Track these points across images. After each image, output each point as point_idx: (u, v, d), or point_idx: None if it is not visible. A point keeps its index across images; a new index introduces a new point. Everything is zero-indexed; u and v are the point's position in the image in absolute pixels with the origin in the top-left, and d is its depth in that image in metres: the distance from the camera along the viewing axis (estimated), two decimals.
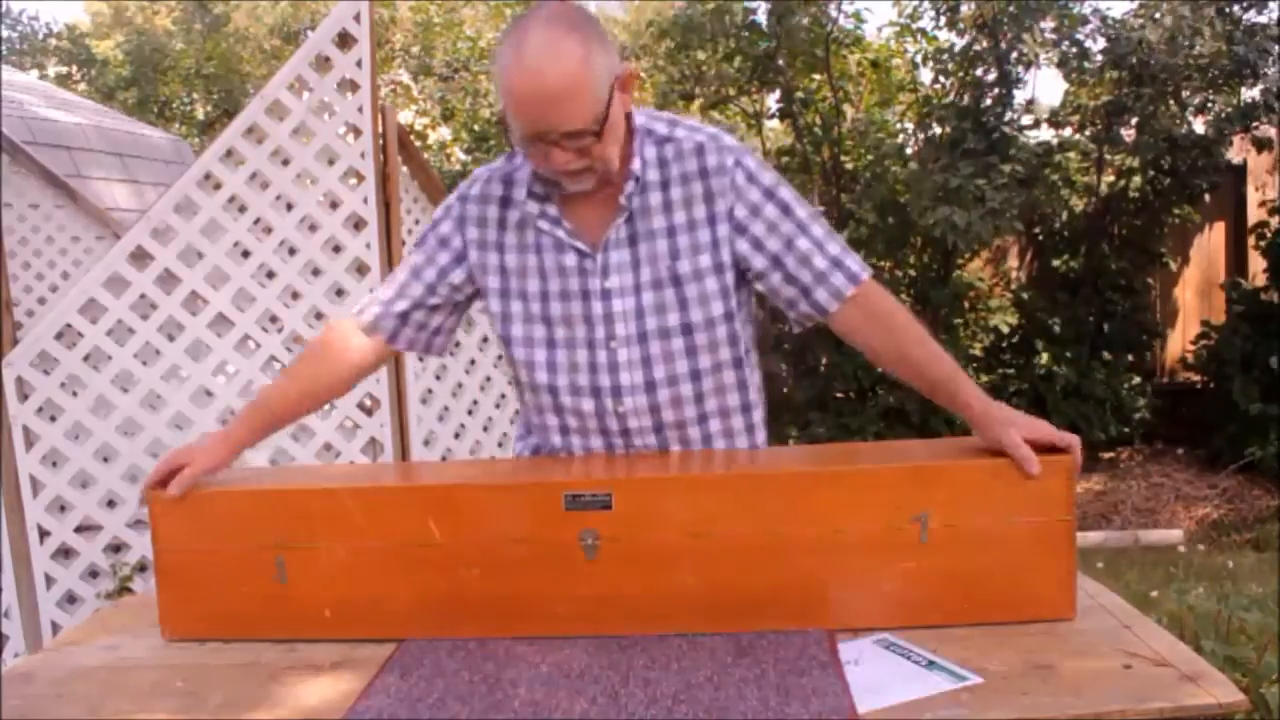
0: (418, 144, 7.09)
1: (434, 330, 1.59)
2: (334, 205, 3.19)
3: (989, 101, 6.32)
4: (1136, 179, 6.51)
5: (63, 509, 3.09)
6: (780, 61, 6.72)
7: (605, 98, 1.34)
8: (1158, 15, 6.09)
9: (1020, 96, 6.58)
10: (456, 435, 3.91)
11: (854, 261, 1.49)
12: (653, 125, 1.49)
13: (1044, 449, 1.31)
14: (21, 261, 4.97)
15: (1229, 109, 6.10)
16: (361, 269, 3.19)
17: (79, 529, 3.08)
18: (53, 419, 3.07)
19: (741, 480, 1.40)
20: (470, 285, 1.56)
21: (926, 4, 6.59)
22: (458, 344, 3.97)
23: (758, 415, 1.64)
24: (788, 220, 1.47)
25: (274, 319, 3.20)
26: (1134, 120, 6.29)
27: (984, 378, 6.51)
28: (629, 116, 1.46)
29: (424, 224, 1.61)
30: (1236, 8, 5.98)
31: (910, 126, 7.10)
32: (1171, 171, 6.33)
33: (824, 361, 6.54)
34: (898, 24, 6.91)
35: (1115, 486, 6.11)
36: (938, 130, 6.46)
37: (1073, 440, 1.32)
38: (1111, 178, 6.61)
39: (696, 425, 1.55)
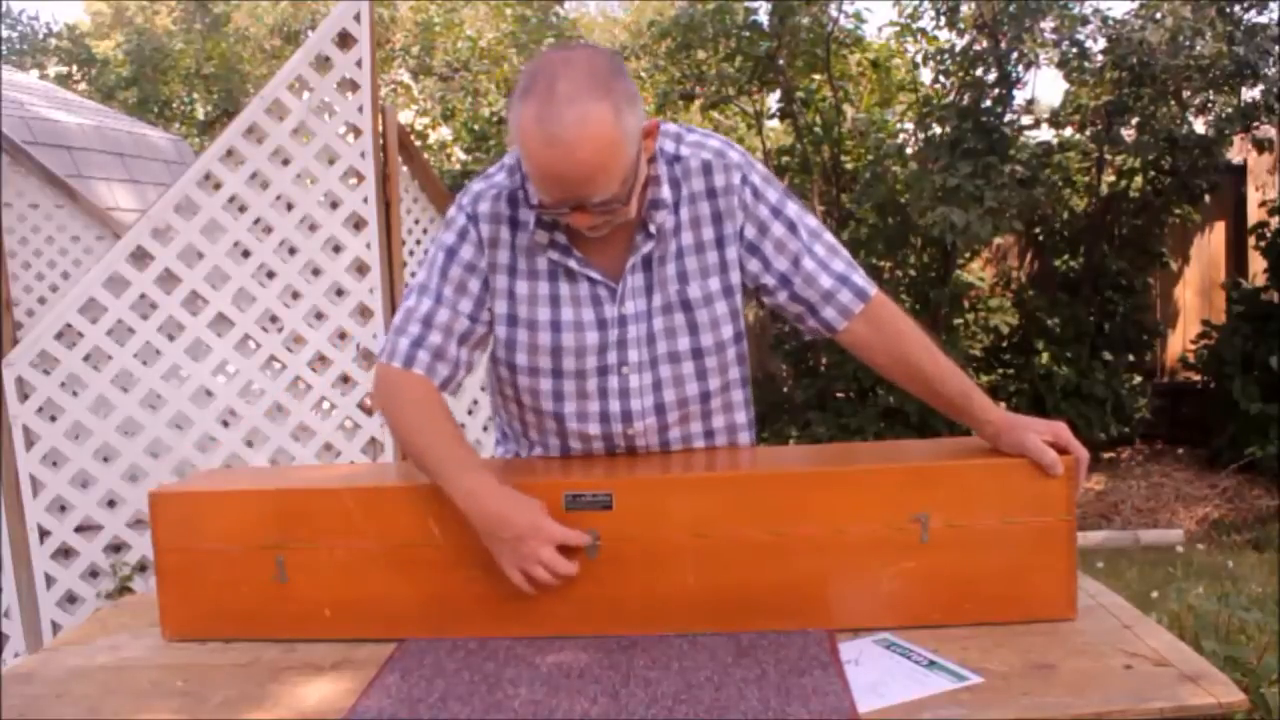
0: (418, 144, 7.09)
1: (470, 363, 1.50)
2: (334, 205, 3.19)
3: (989, 101, 6.31)
4: (1137, 179, 6.51)
5: (63, 509, 3.09)
6: (780, 61, 6.72)
7: (635, 159, 1.30)
8: (1158, 15, 6.08)
9: (1020, 96, 6.59)
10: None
11: (860, 277, 1.48)
12: (662, 143, 1.43)
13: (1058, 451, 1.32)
14: (21, 261, 4.97)
15: (1229, 109, 6.10)
16: (361, 269, 3.19)
17: (79, 529, 3.08)
18: (53, 419, 3.07)
19: (742, 480, 1.40)
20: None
21: (926, 4, 6.59)
22: None
23: (754, 428, 1.65)
24: (794, 239, 1.46)
25: (274, 319, 3.20)
26: (1134, 120, 6.28)
27: (984, 378, 6.51)
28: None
29: (433, 246, 1.50)
30: (1237, 8, 5.97)
31: (910, 126, 7.10)
32: (1172, 171, 6.33)
33: (824, 361, 6.53)
34: (898, 24, 6.91)
35: (1115, 486, 6.11)
36: (938, 130, 6.45)
37: (1083, 454, 1.32)
38: (1112, 178, 6.61)
39: (702, 440, 1.55)
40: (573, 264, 1.44)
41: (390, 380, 1.45)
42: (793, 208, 1.48)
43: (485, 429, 4.13)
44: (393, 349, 1.45)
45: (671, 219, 1.43)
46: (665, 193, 1.42)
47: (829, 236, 1.50)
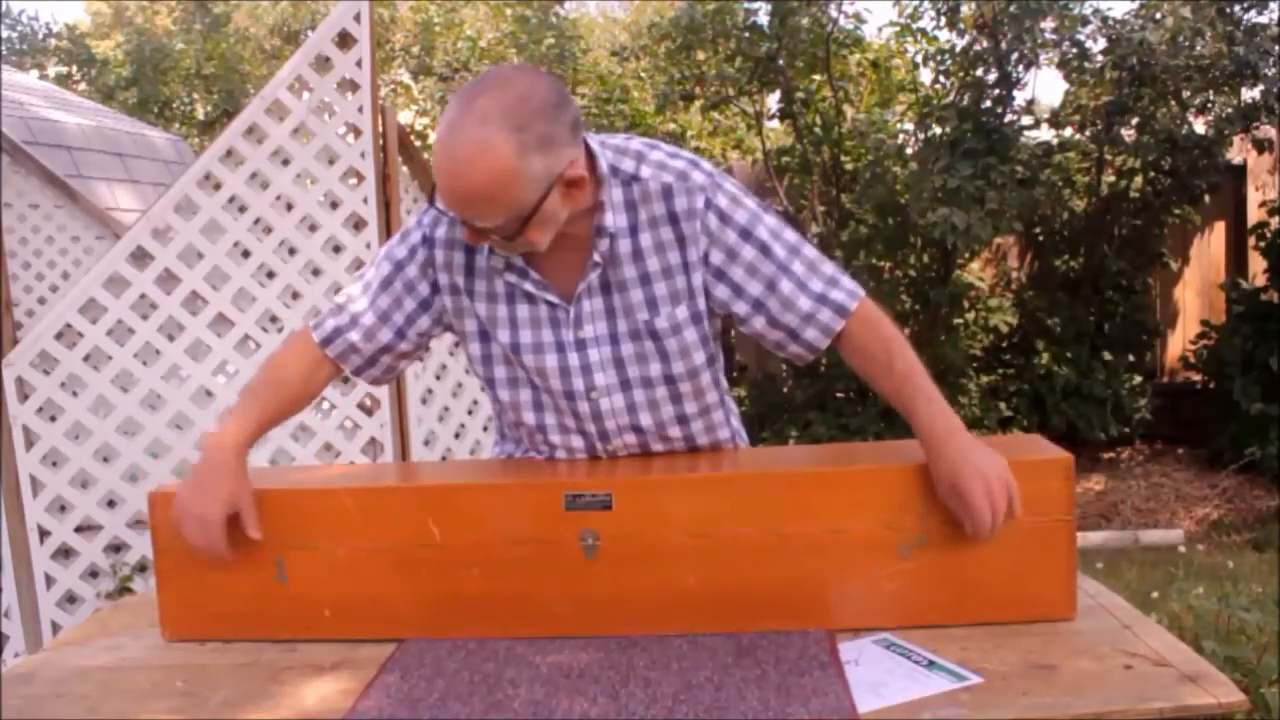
0: (418, 144, 7.08)
1: (398, 369, 1.57)
2: (334, 205, 3.19)
3: (989, 102, 6.31)
4: (1137, 179, 6.51)
5: (63, 509, 3.09)
6: (780, 62, 6.72)
7: (533, 200, 1.26)
8: (1158, 16, 6.08)
9: (1020, 97, 6.57)
10: (456, 435, 3.91)
11: (841, 292, 1.41)
12: (619, 163, 1.40)
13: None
14: (21, 261, 4.97)
15: (1229, 109, 6.10)
16: (361, 269, 3.19)
17: (79, 529, 3.08)
18: (53, 419, 3.07)
19: (741, 480, 1.40)
20: (438, 327, 1.52)
21: (927, 4, 6.58)
22: (457, 343, 3.97)
23: (743, 438, 1.65)
24: (768, 261, 1.40)
25: (274, 319, 3.20)
26: (1134, 120, 6.28)
27: (984, 378, 6.51)
28: (593, 160, 1.37)
29: (387, 248, 1.53)
30: (1237, 8, 5.97)
31: (910, 127, 7.09)
32: (1172, 172, 6.32)
33: (824, 361, 6.53)
34: (898, 24, 6.90)
35: (1115, 486, 6.11)
36: (938, 130, 6.45)
37: (982, 522, 1.26)
38: (1112, 178, 6.60)
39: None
40: (529, 286, 1.43)
41: (298, 338, 1.53)
42: (765, 228, 1.41)
43: (485, 429, 4.13)
44: (321, 323, 1.52)
45: (627, 242, 1.40)
46: (609, 220, 1.38)
47: (809, 251, 1.44)
